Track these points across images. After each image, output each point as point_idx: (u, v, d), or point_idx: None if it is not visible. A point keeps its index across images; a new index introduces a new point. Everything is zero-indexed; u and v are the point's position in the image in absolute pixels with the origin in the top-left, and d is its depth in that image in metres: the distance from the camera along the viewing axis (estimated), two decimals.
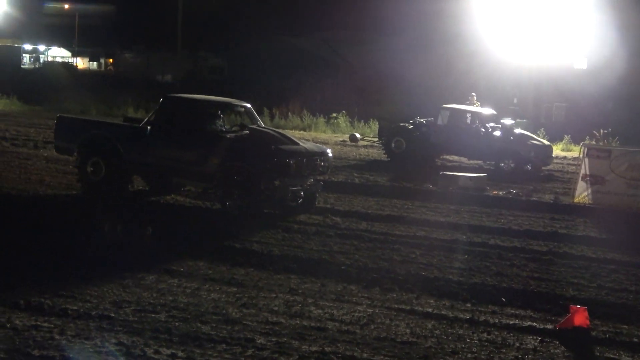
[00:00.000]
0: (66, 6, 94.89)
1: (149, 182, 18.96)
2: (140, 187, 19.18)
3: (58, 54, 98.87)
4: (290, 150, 16.77)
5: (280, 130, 19.44)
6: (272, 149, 16.60)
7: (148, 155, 17.50)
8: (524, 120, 35.80)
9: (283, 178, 16.67)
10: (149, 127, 17.70)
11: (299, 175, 17.01)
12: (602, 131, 36.02)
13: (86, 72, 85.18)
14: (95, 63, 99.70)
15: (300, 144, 17.58)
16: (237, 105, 19.08)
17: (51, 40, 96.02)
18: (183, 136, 17.22)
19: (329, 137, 36.76)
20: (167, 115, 17.67)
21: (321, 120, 41.09)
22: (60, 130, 19.14)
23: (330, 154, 18.07)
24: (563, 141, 36.96)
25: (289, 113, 42.29)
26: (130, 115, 37.07)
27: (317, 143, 22.74)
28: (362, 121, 40.46)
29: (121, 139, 17.81)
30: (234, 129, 18.11)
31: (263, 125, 18.95)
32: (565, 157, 32.37)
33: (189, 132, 17.20)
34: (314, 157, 17.35)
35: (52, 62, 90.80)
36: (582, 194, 21.32)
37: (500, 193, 22.19)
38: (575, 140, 36.00)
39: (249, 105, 18.85)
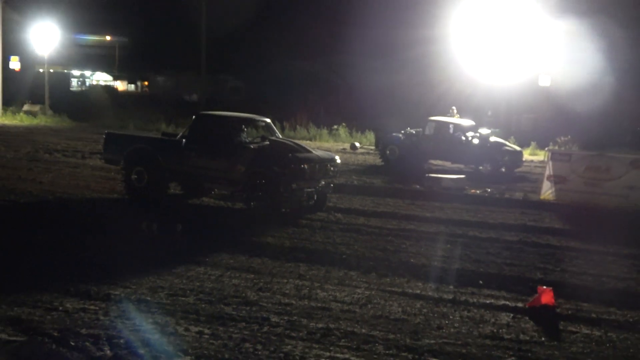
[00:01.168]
0: (108, 38, 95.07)
1: (184, 187, 18.88)
2: (174, 192, 19.18)
3: (101, 78, 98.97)
4: (304, 158, 16.76)
5: (295, 141, 19.44)
6: (289, 156, 16.59)
7: (183, 164, 17.46)
8: (497, 130, 35.71)
9: (299, 181, 16.65)
10: (184, 140, 17.69)
11: (313, 178, 16.98)
12: (562, 138, 36.04)
13: (125, 93, 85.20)
14: (132, 85, 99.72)
15: (313, 152, 17.57)
16: (258, 120, 19.03)
17: (95, 67, 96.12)
18: (213, 147, 17.20)
19: (331, 145, 36.72)
20: (199, 130, 17.63)
21: (324, 131, 41.08)
22: (108, 144, 19.03)
23: (338, 160, 18.05)
24: (530, 147, 36.88)
25: (297, 125, 42.27)
26: (165, 130, 37.19)
27: (326, 151, 22.71)
28: (360, 132, 40.45)
29: (161, 150, 17.79)
30: (256, 140, 18.07)
31: (280, 136, 18.93)
32: (532, 161, 32.27)
33: (219, 143, 17.16)
34: (325, 163, 17.34)
35: (96, 85, 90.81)
36: (547, 191, 21.30)
37: (478, 192, 22.16)
38: (541, 146, 35.97)
39: (268, 120, 18.84)
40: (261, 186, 16.62)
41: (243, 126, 18.34)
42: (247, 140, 17.91)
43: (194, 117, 18.41)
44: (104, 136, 19.50)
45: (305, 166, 16.55)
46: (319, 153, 17.94)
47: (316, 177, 17.10)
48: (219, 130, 17.42)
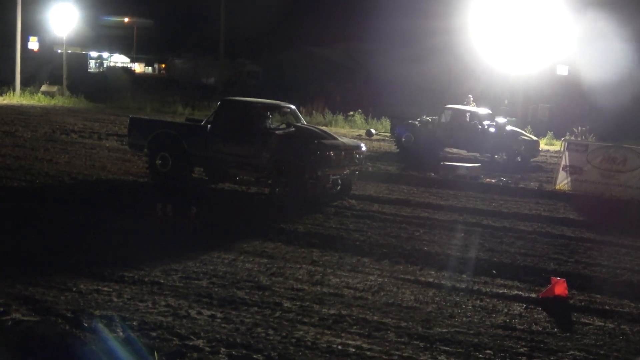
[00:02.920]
0: (126, 20, 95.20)
1: (208, 172, 18.73)
2: (197, 176, 19.17)
3: (119, 60, 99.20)
4: (330, 145, 16.69)
5: (321, 127, 19.37)
6: (315, 143, 16.52)
7: (208, 149, 17.40)
8: (513, 119, 35.39)
9: (324, 168, 16.57)
10: (209, 126, 17.62)
11: (338, 166, 16.90)
12: (580, 128, 35.79)
13: (142, 76, 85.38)
14: (150, 68, 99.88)
15: (339, 139, 17.50)
16: (284, 107, 18.94)
17: (113, 48, 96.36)
18: (239, 133, 17.11)
19: (347, 131, 36.54)
20: (224, 116, 17.54)
21: (340, 117, 40.93)
22: (132, 129, 18.98)
23: (364, 148, 17.95)
24: (547, 137, 36.60)
25: (314, 111, 42.14)
26: (182, 113, 37.20)
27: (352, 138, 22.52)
28: (375, 118, 40.30)
29: (185, 136, 17.74)
30: (281, 126, 17.98)
31: (306, 123, 18.85)
32: (548, 151, 32.01)
33: (244, 129, 17.08)
34: (351, 150, 17.25)
35: (114, 66, 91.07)
36: (563, 182, 21.18)
37: (493, 181, 22.05)
38: (557, 136, 35.68)
39: (293, 107, 18.76)
40: (286, 173, 16.57)
41: (268, 112, 18.26)
42: (273, 127, 17.82)
43: (219, 102, 18.35)
44: (129, 121, 19.47)
45: (331, 153, 16.48)
46: (345, 140, 17.89)
47: (342, 165, 17.02)
48: (245, 116, 17.34)
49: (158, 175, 17.84)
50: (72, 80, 50.51)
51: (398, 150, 29.08)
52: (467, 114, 28.41)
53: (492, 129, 27.56)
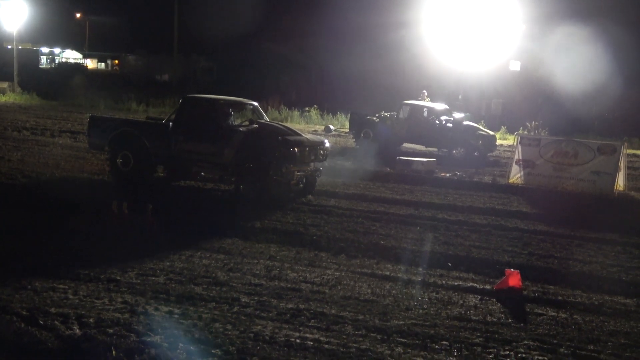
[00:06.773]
0: (78, 15, 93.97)
1: (170, 171, 18.39)
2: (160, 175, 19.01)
3: (71, 56, 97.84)
4: (294, 141, 16.65)
5: (284, 124, 19.32)
6: (279, 139, 16.47)
7: (171, 148, 17.22)
8: (467, 114, 35.83)
9: (288, 165, 16.53)
10: (171, 124, 17.45)
11: (302, 162, 16.88)
12: (533, 123, 36.30)
13: (95, 72, 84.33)
14: (103, 64, 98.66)
15: (302, 135, 17.48)
16: (246, 104, 18.84)
17: (65, 44, 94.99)
18: (202, 131, 17.00)
19: (303, 127, 36.56)
20: (187, 113, 17.38)
21: (296, 113, 40.93)
22: (92, 128, 18.60)
23: (328, 144, 17.91)
24: (500, 131, 37.02)
25: (269, 107, 42.06)
26: (136, 109, 36.81)
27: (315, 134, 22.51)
28: (331, 114, 40.38)
29: (147, 134, 17.53)
30: (244, 123, 17.89)
31: (268, 120, 18.79)
32: (502, 145, 32.40)
33: (207, 127, 16.96)
34: (315, 147, 17.24)
35: (66, 63, 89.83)
36: (516, 175, 21.50)
37: (447, 175, 22.27)
38: (511, 131, 36.13)
39: (256, 104, 18.66)
40: (251, 170, 16.51)
41: (231, 109, 18.15)
42: (236, 124, 17.72)
43: (180, 100, 18.16)
44: (88, 120, 19.11)
45: (295, 149, 16.45)
46: (309, 136, 17.88)
47: (306, 161, 16.99)
48: (207, 114, 17.20)
49: (119, 175, 17.62)
50: (23, 77, 49.73)
51: (357, 146, 29.16)
52: (425, 110, 28.63)
53: (449, 125, 27.81)
